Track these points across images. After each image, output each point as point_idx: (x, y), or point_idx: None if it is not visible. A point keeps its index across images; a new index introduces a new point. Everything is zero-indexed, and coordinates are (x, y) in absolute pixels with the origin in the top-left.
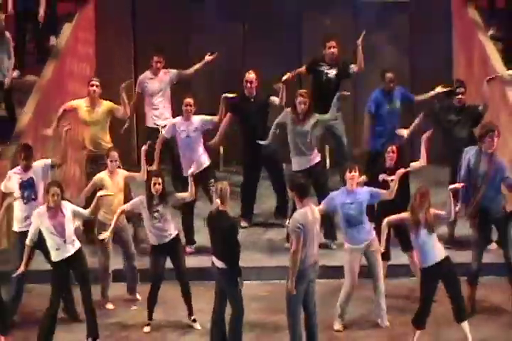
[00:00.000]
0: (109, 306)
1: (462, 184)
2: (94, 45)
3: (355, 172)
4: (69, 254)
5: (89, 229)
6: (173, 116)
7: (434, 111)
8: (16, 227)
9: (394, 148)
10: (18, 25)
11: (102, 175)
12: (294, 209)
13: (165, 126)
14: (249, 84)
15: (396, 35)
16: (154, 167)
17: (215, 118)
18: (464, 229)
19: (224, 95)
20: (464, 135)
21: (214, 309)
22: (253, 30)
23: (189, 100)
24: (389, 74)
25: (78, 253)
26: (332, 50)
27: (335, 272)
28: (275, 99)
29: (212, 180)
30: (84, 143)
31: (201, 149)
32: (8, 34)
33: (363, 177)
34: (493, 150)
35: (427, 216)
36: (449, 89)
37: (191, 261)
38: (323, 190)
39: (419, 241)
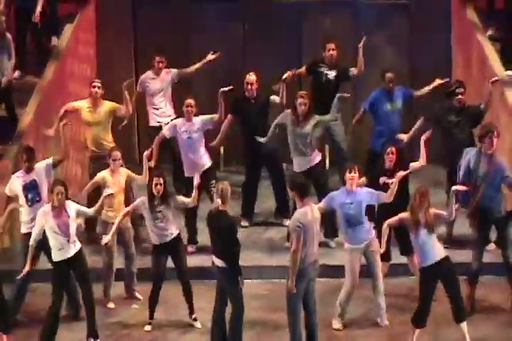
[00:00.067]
0: (111, 305)
1: (464, 187)
2: (94, 45)
3: (354, 172)
4: (70, 255)
5: (91, 228)
6: (176, 116)
7: (434, 111)
8: (23, 229)
9: (393, 149)
10: (18, 25)
11: (104, 174)
12: (295, 208)
13: (167, 123)
14: (249, 86)
15: (395, 36)
16: (153, 163)
17: (215, 116)
18: (463, 228)
19: (221, 90)
20: (464, 136)
21: (214, 308)
22: (253, 30)
23: (190, 101)
24: (389, 74)
25: (79, 253)
26: (332, 52)
27: (335, 271)
28: (275, 98)
29: (214, 181)
30: (86, 143)
31: (203, 150)
32: (8, 35)
33: (363, 179)
34: (492, 150)
35: (427, 216)
36: (445, 80)
37: (192, 261)
38: (324, 190)
39: (419, 241)
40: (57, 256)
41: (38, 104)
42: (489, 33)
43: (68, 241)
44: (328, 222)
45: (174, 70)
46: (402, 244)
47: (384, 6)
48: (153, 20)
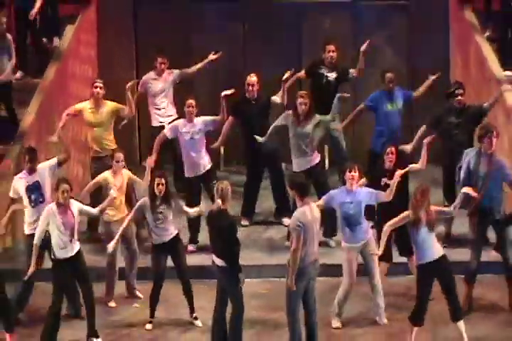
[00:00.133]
0: (112, 304)
1: (474, 192)
2: (96, 46)
3: (354, 171)
4: (72, 254)
5: (93, 228)
6: (178, 116)
7: (434, 113)
8: (27, 230)
9: (393, 149)
10: (17, 26)
11: (106, 175)
12: (295, 208)
13: (170, 123)
14: (250, 87)
15: (395, 36)
16: (153, 158)
17: (217, 117)
18: (462, 227)
19: (223, 93)
20: (464, 137)
21: (215, 307)
22: (253, 31)
23: (191, 101)
24: (389, 75)
25: (78, 252)
26: (331, 53)
27: (334, 270)
28: (276, 99)
29: (215, 181)
30: (88, 143)
31: (204, 150)
32: (9, 35)
33: (363, 180)
34: (492, 150)
35: (428, 213)
36: (437, 75)
37: (193, 260)
38: (324, 190)
39: (419, 238)
40: (60, 254)
41: (39, 105)
42: (487, 34)
43: (71, 240)
44: (328, 221)
45: (176, 71)
46: (401, 245)
47: (383, 6)
48: (154, 21)
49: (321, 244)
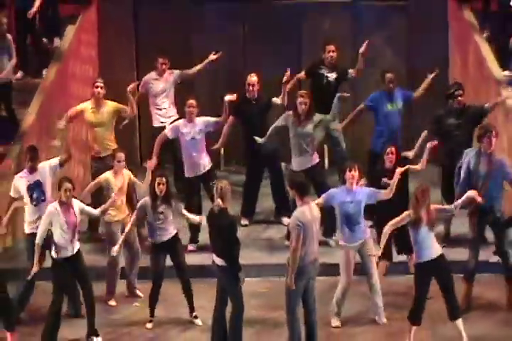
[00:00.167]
0: (112, 303)
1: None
2: (96, 46)
3: (355, 171)
4: (72, 253)
5: (93, 228)
6: (178, 116)
7: (435, 117)
8: (27, 229)
9: (393, 149)
10: (18, 26)
11: (107, 175)
12: (295, 207)
13: (171, 123)
14: (251, 87)
15: (394, 37)
16: (153, 161)
17: (219, 119)
18: (461, 227)
19: (227, 99)
20: (464, 138)
21: (215, 306)
22: (253, 31)
23: (192, 101)
24: (389, 75)
25: (78, 252)
26: (331, 54)
27: (334, 270)
28: (277, 100)
29: (214, 181)
30: (89, 143)
31: (204, 151)
32: (9, 36)
33: (363, 181)
34: (491, 150)
35: (429, 212)
36: (436, 73)
37: (193, 259)
38: (323, 189)
39: (419, 237)
40: (61, 253)
41: (40, 105)
42: (486, 34)
43: (71, 240)
44: (328, 220)
45: (177, 71)
46: (400, 244)
47: (382, 7)
48: (154, 21)
49: (321, 243)
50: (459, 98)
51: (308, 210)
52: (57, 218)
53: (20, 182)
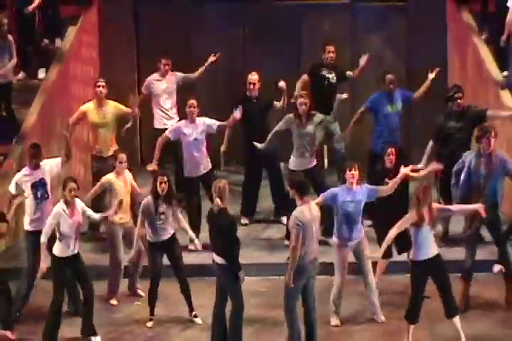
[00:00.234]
0: (113, 302)
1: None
2: (97, 47)
3: (355, 170)
4: (74, 252)
5: (95, 227)
6: (179, 118)
7: (437, 124)
8: (28, 227)
9: (393, 150)
10: (18, 27)
11: (110, 177)
12: (295, 207)
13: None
14: (252, 86)
15: (393, 37)
16: (153, 166)
17: (221, 123)
18: (459, 226)
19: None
20: (465, 140)
21: (215, 304)
22: (253, 31)
23: (192, 101)
24: (389, 76)
25: (78, 253)
26: (331, 54)
27: (334, 269)
28: (277, 104)
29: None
30: (91, 143)
31: (205, 151)
32: (10, 37)
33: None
34: (490, 150)
35: (430, 211)
36: (436, 72)
37: (193, 258)
38: (322, 189)
39: (420, 236)
40: (63, 253)
41: (42, 105)
42: (485, 35)
43: (75, 239)
44: (328, 220)
45: (179, 74)
46: (400, 244)
47: (381, 7)
48: (155, 22)
49: (321, 242)
50: (459, 101)
51: (308, 210)
52: (64, 218)
53: (25, 179)
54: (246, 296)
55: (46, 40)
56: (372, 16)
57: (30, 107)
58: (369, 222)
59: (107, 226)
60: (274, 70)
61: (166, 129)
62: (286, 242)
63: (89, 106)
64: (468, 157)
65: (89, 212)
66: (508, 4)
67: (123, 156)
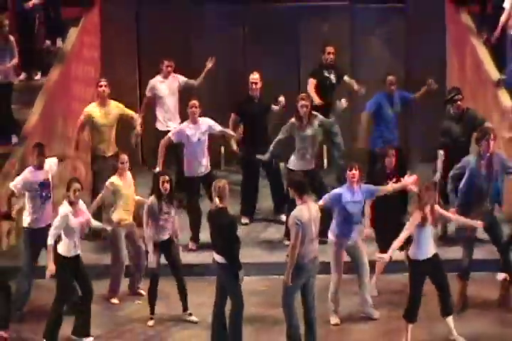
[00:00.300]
0: (114, 301)
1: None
2: (99, 48)
3: (355, 170)
4: (77, 252)
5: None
6: (181, 119)
7: (443, 127)
8: (28, 224)
9: (393, 151)
10: (20, 28)
11: (113, 180)
12: (294, 206)
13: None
14: (254, 85)
15: (392, 39)
16: (158, 169)
17: (224, 130)
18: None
19: (236, 135)
20: (465, 142)
21: (215, 303)
22: (253, 32)
23: (194, 102)
24: (390, 77)
25: (78, 253)
26: (331, 55)
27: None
28: (275, 107)
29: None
30: (93, 143)
31: (207, 151)
32: (11, 37)
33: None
34: (490, 152)
35: (433, 211)
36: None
37: (194, 257)
38: (321, 189)
39: (423, 236)
40: (68, 252)
41: (43, 105)
42: (484, 36)
43: (78, 239)
44: (328, 221)
45: (182, 77)
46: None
47: (381, 9)
48: (156, 22)
49: (320, 241)
50: (458, 103)
51: (307, 209)
52: (72, 219)
53: (33, 179)
54: (246, 295)
55: (48, 42)
56: (372, 17)
57: (31, 108)
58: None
59: (112, 227)
60: (274, 70)
61: (168, 131)
62: (287, 242)
63: (93, 109)
64: (469, 161)
65: (91, 219)
66: (504, 5)
67: (125, 157)
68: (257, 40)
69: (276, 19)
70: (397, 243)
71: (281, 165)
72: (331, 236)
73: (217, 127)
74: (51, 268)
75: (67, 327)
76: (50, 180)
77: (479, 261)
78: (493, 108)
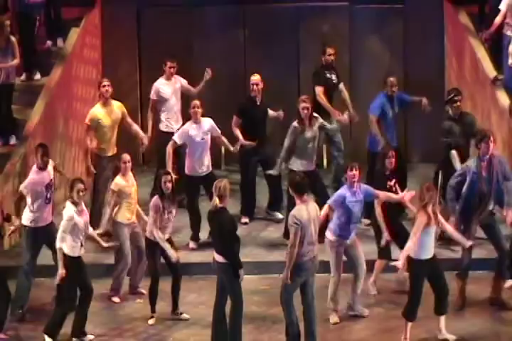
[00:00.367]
0: (115, 299)
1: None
2: (100, 48)
3: (355, 170)
4: (80, 253)
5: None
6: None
7: (444, 127)
8: (29, 223)
9: (393, 152)
10: (21, 28)
11: (117, 180)
12: (294, 205)
13: (178, 129)
14: (255, 86)
15: (391, 39)
16: (174, 175)
17: (224, 142)
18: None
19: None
20: (464, 143)
21: (215, 302)
22: (253, 34)
23: (196, 102)
24: (391, 79)
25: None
26: (332, 57)
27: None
28: (272, 113)
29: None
30: (96, 143)
31: (209, 151)
32: (13, 38)
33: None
34: (489, 155)
35: (435, 210)
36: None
37: (195, 256)
38: (322, 191)
39: (427, 236)
40: (75, 252)
41: (44, 106)
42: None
43: (83, 239)
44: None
45: (184, 81)
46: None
47: (379, 9)
48: (157, 23)
49: (320, 241)
50: (458, 103)
51: (306, 208)
52: (78, 219)
53: (40, 180)
54: (247, 294)
55: (49, 42)
56: (371, 18)
57: (32, 108)
58: (367, 221)
59: (116, 227)
60: (274, 71)
61: (171, 132)
62: (286, 241)
63: (97, 110)
64: (468, 166)
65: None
66: (500, 7)
67: (127, 156)
68: (258, 41)
69: (276, 19)
70: (408, 249)
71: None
72: (330, 236)
73: (217, 131)
74: (62, 271)
75: (67, 326)
76: (53, 180)
77: (478, 260)
78: (492, 108)
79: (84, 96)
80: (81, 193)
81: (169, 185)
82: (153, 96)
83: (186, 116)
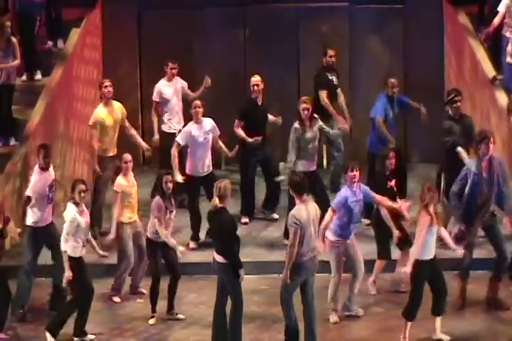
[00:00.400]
0: (116, 299)
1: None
2: (100, 49)
3: (356, 170)
4: (81, 254)
5: (98, 225)
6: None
7: (445, 127)
8: (32, 223)
9: (393, 153)
10: (22, 29)
11: (120, 181)
12: (293, 205)
13: (180, 130)
14: (256, 87)
15: (390, 40)
16: (181, 177)
17: (221, 148)
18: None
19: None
20: (463, 143)
21: (216, 302)
22: (254, 34)
23: (197, 102)
24: (392, 80)
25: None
26: (333, 58)
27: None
28: (271, 118)
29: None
30: (99, 143)
31: (210, 151)
32: (13, 39)
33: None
34: (489, 156)
35: (436, 210)
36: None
37: (195, 257)
38: (321, 192)
39: (431, 236)
40: (76, 252)
41: (45, 106)
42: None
43: (85, 240)
44: None
45: (184, 82)
46: (399, 243)
47: (379, 10)
48: (157, 24)
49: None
50: (458, 104)
51: (306, 208)
52: (80, 220)
53: (44, 181)
54: (247, 294)
55: (50, 42)
56: (371, 18)
57: (33, 108)
58: (367, 221)
59: (118, 226)
60: (274, 71)
61: (172, 133)
62: (286, 241)
63: (100, 110)
64: (468, 167)
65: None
66: (499, 8)
67: (128, 156)
68: (258, 41)
69: (277, 19)
70: (413, 254)
71: (281, 164)
72: (331, 236)
73: (218, 131)
74: (68, 274)
75: (68, 326)
76: (54, 180)
77: (479, 259)
78: (491, 108)
79: (84, 96)
80: (82, 194)
81: (170, 185)
82: (155, 98)
83: (187, 117)
